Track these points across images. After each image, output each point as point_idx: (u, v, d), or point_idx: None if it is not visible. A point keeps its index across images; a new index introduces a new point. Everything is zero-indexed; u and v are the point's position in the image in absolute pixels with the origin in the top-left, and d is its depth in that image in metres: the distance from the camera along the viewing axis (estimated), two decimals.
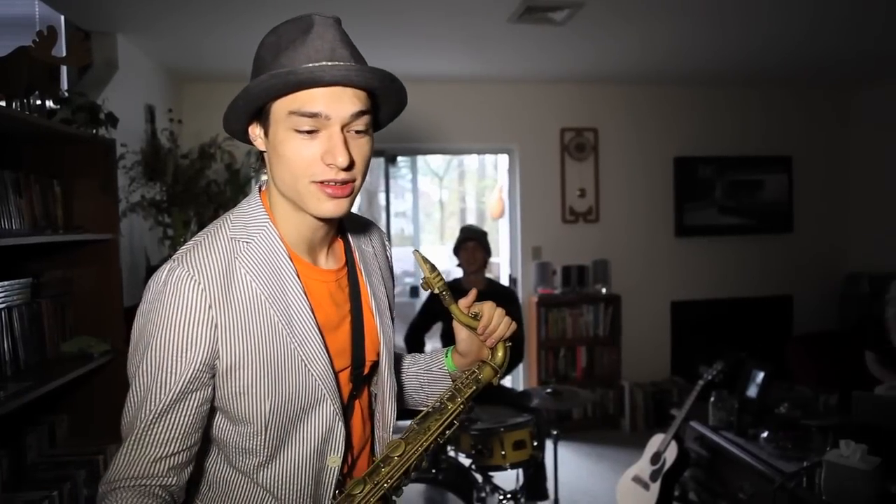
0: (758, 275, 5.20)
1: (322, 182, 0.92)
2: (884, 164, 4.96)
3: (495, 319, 1.08)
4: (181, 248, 0.96)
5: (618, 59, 4.18)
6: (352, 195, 0.95)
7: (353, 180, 0.94)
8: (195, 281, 0.90)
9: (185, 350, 0.89)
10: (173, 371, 0.89)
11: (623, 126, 4.96)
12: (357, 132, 0.93)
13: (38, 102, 2.28)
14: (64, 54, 2.34)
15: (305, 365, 0.95)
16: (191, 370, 0.89)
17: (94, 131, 2.52)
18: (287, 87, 0.89)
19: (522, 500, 2.92)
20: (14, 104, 2.11)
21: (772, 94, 5.13)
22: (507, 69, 4.44)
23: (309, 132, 0.90)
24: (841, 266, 5.23)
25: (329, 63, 0.88)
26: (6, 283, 2.11)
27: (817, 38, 3.77)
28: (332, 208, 0.94)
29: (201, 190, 3.39)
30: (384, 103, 1.00)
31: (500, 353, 1.10)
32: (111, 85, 3.10)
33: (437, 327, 3.63)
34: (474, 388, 1.08)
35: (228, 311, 0.91)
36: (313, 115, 0.89)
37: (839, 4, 3.19)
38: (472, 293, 1.12)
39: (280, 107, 0.91)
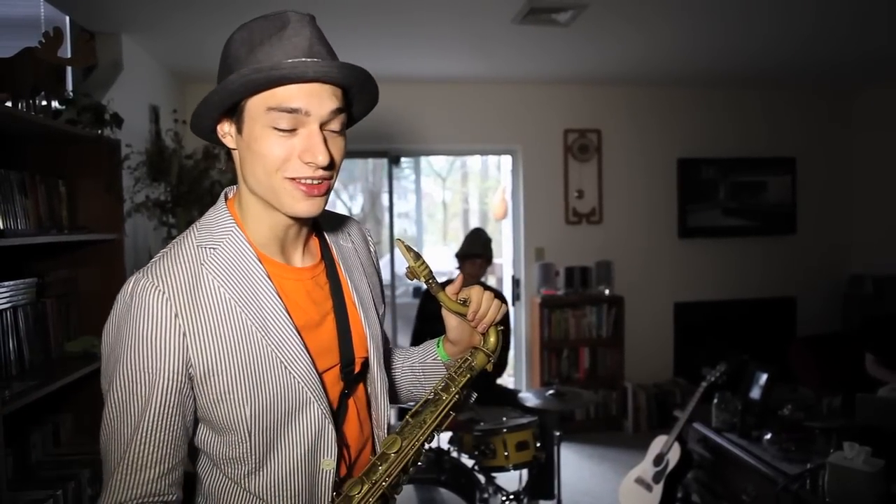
0: (761, 276, 5.20)
1: (296, 179, 0.90)
2: (887, 166, 4.95)
3: (484, 303, 1.06)
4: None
5: (621, 60, 4.18)
6: (327, 194, 0.95)
7: (329, 178, 0.94)
8: (159, 291, 0.88)
9: (156, 361, 0.87)
10: (148, 384, 0.87)
11: (626, 127, 4.96)
12: (334, 131, 0.92)
13: (44, 103, 2.30)
14: (69, 55, 2.35)
15: (286, 367, 0.92)
16: (166, 381, 0.88)
17: (99, 132, 2.52)
18: (269, 82, 0.87)
19: (525, 500, 2.92)
20: (20, 105, 2.12)
21: (775, 96, 5.13)
22: (511, 70, 4.45)
23: (287, 130, 0.89)
24: (844, 267, 5.22)
25: (310, 59, 0.87)
26: (11, 282, 2.12)
27: (820, 39, 3.76)
28: (308, 208, 0.93)
29: (205, 190, 3.38)
30: (357, 100, 0.99)
31: (492, 338, 1.08)
32: (116, 85, 3.11)
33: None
34: (468, 375, 1.05)
35: (197, 319, 0.89)
36: (293, 111, 0.88)
37: (841, 6, 3.18)
38: (459, 278, 1.10)
39: (256, 103, 0.89)
